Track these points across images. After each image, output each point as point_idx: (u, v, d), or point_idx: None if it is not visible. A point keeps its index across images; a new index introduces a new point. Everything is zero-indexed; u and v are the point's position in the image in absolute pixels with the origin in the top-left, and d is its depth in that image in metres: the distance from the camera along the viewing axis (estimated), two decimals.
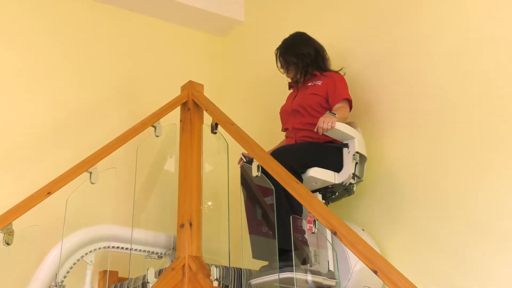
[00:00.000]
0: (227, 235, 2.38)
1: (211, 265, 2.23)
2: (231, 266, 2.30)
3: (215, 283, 2.16)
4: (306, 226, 2.28)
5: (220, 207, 2.78)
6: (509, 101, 2.13)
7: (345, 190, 2.41)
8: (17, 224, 2.03)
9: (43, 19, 3.12)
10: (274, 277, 2.11)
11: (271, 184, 2.16)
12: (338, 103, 2.45)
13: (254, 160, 2.19)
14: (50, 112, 2.95)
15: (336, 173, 2.34)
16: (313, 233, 1.89)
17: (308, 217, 1.93)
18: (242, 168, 2.42)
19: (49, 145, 2.87)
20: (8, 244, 2.00)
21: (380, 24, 2.75)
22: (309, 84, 2.58)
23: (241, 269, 2.29)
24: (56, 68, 3.06)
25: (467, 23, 2.35)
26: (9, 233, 2.01)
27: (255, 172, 2.16)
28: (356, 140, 2.35)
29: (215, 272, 2.17)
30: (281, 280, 2.11)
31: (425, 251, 2.25)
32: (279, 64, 2.66)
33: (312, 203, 1.86)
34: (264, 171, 2.14)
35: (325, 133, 2.28)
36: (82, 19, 3.27)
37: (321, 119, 2.26)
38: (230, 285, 2.23)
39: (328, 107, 2.47)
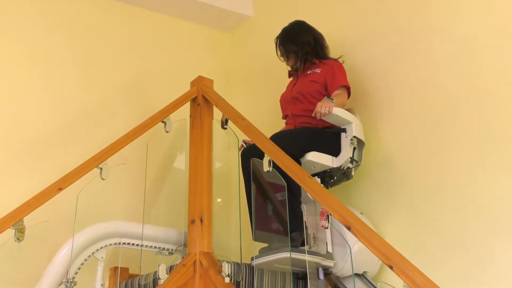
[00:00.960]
0: (237, 231, 2.37)
1: (223, 261, 2.21)
2: (242, 262, 2.29)
3: (227, 279, 2.15)
4: (304, 208, 2.36)
5: (231, 203, 2.77)
6: (506, 90, 2.15)
7: (343, 174, 2.44)
8: (28, 220, 2.03)
9: (53, 16, 3.12)
10: (272, 257, 2.16)
11: (282, 178, 2.16)
12: (336, 90, 2.48)
13: (266, 155, 2.16)
14: (60, 108, 2.95)
15: (334, 157, 2.38)
16: (326, 228, 1.86)
17: (321, 212, 1.91)
18: (243, 155, 2.43)
19: (59, 141, 2.87)
20: (19, 240, 2.00)
21: (383, 16, 2.77)
22: (309, 72, 2.62)
23: (253, 265, 2.27)
24: (64, 65, 3.06)
25: (465, 16, 2.37)
26: (20, 229, 2.00)
27: (266, 167, 2.14)
28: (354, 125, 2.38)
29: (226, 268, 2.15)
30: (281, 260, 2.15)
31: (422, 234, 2.28)
32: (279, 53, 2.72)
33: (326, 198, 1.83)
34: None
35: (323, 118, 2.31)
36: (91, 16, 3.26)
37: (319, 104, 2.29)
38: (241, 281, 2.21)
39: (327, 94, 2.49)
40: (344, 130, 2.40)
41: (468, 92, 2.28)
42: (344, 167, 2.38)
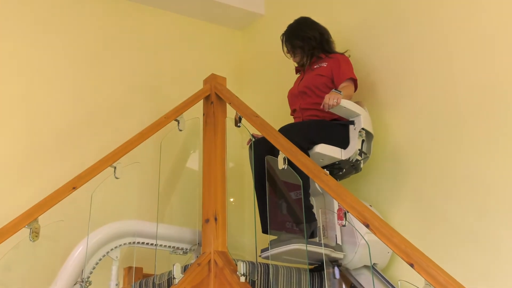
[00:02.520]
0: (252, 229, 2.35)
1: (238, 260, 2.19)
2: (257, 261, 2.27)
3: (242, 279, 2.13)
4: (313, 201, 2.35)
5: (245, 201, 2.75)
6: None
7: (352, 167, 2.44)
8: (43, 220, 2.02)
9: (65, 17, 3.12)
10: (283, 249, 2.18)
11: (296, 175, 2.16)
12: (343, 82, 2.49)
13: (280, 152, 2.14)
14: (74, 107, 2.95)
15: (342, 149, 2.38)
16: (344, 226, 1.83)
17: (338, 210, 1.88)
18: (254, 146, 2.43)
19: (73, 140, 2.87)
20: (34, 239, 1.99)
21: (392, 10, 2.77)
22: (315, 66, 2.63)
23: (268, 264, 2.25)
24: (78, 64, 3.06)
25: (477, 10, 2.36)
26: (35, 228, 1.99)
27: (281, 165, 2.12)
28: (362, 117, 2.39)
29: (242, 268, 2.13)
30: (291, 252, 2.18)
31: (432, 226, 2.29)
32: (285, 49, 2.73)
33: (342, 195, 1.80)
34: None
35: (331, 110, 2.31)
36: (104, 16, 3.26)
37: (327, 96, 2.30)
38: (257, 280, 2.19)
39: (333, 87, 2.50)
40: (352, 122, 2.41)
41: (478, 84, 2.26)
42: (352, 160, 2.38)
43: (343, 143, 2.40)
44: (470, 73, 2.30)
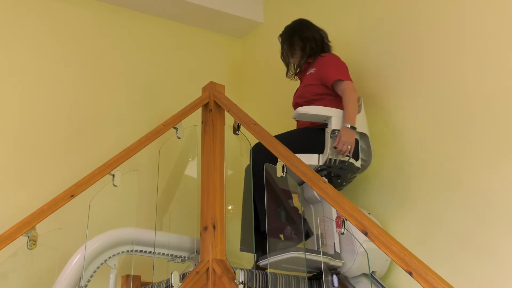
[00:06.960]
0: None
1: (236, 268, 2.19)
2: (256, 269, 2.26)
3: (241, 287, 2.12)
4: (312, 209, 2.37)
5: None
6: None
7: (341, 169, 2.37)
8: (41, 228, 2.02)
9: (63, 23, 3.13)
10: (280, 257, 2.17)
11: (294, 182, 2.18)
12: (336, 85, 2.44)
13: (279, 160, 2.15)
14: (72, 114, 2.94)
15: (320, 154, 2.37)
16: (342, 233, 1.83)
17: (337, 218, 1.88)
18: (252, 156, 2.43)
19: (72, 147, 2.86)
20: (31, 248, 1.99)
21: (395, 13, 2.76)
22: (307, 73, 2.60)
23: (266, 272, 2.24)
24: (77, 72, 3.06)
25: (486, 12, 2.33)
26: (33, 236, 1.99)
27: (279, 173, 2.12)
28: (333, 118, 2.37)
29: (240, 276, 2.13)
30: (289, 260, 2.18)
31: (431, 235, 2.28)
32: (285, 49, 2.65)
33: (341, 203, 1.81)
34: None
35: (296, 119, 2.39)
36: (103, 23, 3.27)
37: (341, 143, 2.28)
38: None
39: (324, 92, 2.48)
40: (327, 126, 2.40)
41: (486, 92, 2.25)
42: (333, 161, 2.32)
43: (322, 148, 2.38)
44: (481, 82, 2.27)
